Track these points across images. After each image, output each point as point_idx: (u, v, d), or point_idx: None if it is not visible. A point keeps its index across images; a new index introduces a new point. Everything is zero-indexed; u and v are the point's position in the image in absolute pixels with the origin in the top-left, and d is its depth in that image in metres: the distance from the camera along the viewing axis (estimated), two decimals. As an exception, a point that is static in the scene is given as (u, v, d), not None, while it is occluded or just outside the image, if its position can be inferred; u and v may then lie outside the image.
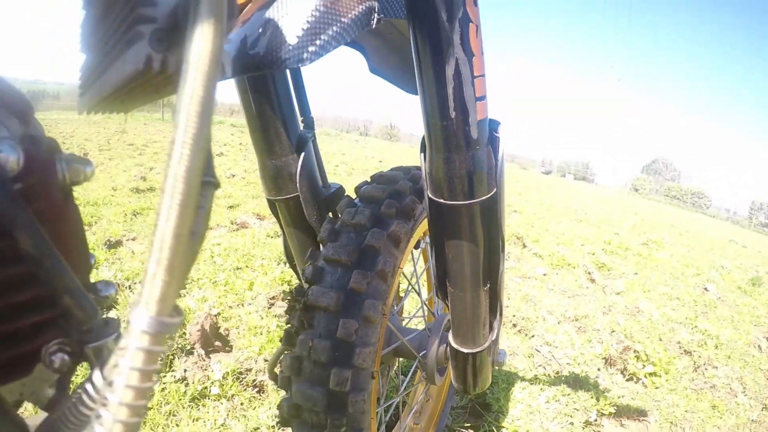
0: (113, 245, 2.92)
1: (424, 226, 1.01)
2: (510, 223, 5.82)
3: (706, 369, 2.56)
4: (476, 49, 0.62)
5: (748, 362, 2.85)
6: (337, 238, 0.88)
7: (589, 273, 3.98)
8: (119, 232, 3.15)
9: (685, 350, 2.76)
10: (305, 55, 0.54)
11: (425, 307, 1.28)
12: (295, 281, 2.44)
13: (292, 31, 0.54)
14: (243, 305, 2.24)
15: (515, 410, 1.73)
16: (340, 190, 1.10)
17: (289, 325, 0.87)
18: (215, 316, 2.02)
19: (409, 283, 1.24)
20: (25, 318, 0.34)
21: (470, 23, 0.60)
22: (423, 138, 0.71)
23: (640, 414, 1.91)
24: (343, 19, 0.57)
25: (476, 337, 0.92)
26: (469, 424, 1.61)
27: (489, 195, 0.72)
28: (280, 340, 0.89)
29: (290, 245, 1.12)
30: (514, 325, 2.54)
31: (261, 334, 1.98)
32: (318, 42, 0.55)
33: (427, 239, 1.09)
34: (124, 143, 8.81)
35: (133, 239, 3.09)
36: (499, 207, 0.76)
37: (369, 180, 1.01)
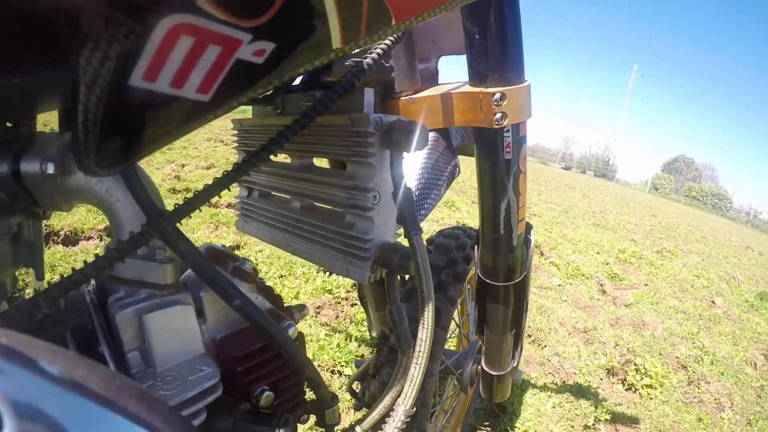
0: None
1: (468, 276, 1.32)
2: (529, 228, 6.06)
3: (698, 384, 2.81)
4: (523, 189, 0.89)
5: (740, 379, 3.08)
6: (411, 299, 1.19)
7: (601, 285, 4.25)
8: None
9: (681, 365, 3.01)
10: (421, 213, 0.84)
11: (460, 331, 1.61)
12: (335, 290, 2.74)
13: None
14: (291, 314, 2.53)
15: (526, 413, 2.04)
16: None
17: (376, 359, 1.19)
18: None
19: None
20: (296, 401, 0.66)
21: (521, 174, 0.86)
22: (477, 233, 1.02)
23: (632, 421, 2.21)
24: (439, 182, 0.87)
25: (502, 364, 1.24)
26: (488, 423, 1.93)
27: (520, 279, 1.02)
28: (356, 363, 1.22)
29: (367, 297, 1.43)
30: (529, 336, 2.83)
31: (311, 341, 2.25)
32: (426, 206, 0.85)
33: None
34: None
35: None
36: (527, 283, 1.07)
37: (427, 244, 1.32)
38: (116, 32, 0.24)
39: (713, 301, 4.97)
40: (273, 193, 0.87)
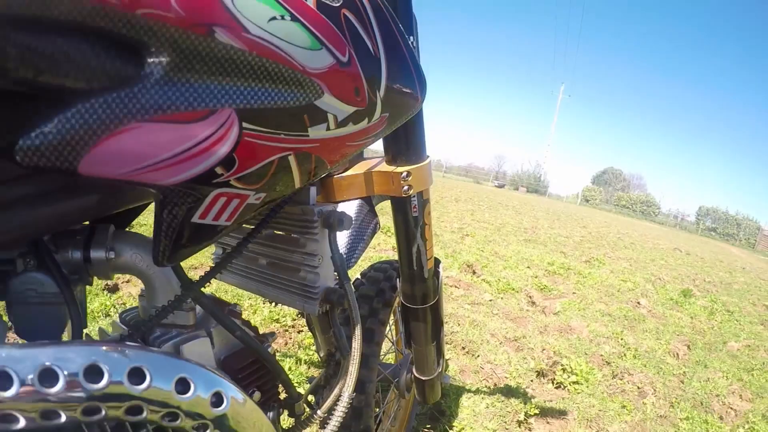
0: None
1: (395, 301, 1.60)
2: (462, 249, 6.46)
3: (622, 376, 3.15)
4: (429, 236, 1.19)
5: (662, 369, 3.45)
6: (349, 323, 1.45)
7: (530, 297, 4.61)
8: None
9: (606, 361, 3.35)
10: (350, 263, 1.13)
11: (394, 346, 1.89)
12: (282, 319, 2.95)
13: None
14: (238, 342, 2.74)
15: (462, 414, 2.31)
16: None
17: (326, 372, 1.45)
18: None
19: (387, 337, 1.84)
20: (274, 399, 0.91)
21: (426, 226, 1.17)
22: (398, 269, 1.30)
23: (561, 414, 2.52)
24: (364, 238, 1.16)
25: (430, 370, 1.52)
26: (429, 426, 2.19)
27: (434, 302, 1.33)
28: (309, 380, 1.47)
29: (314, 324, 1.68)
30: (463, 348, 3.12)
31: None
32: (355, 256, 1.14)
33: (396, 306, 1.68)
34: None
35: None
36: (440, 304, 1.38)
37: (361, 277, 1.60)
38: (188, 198, 0.51)
39: (638, 302, 5.39)
40: (244, 252, 1.15)
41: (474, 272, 5.17)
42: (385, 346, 1.96)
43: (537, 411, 2.43)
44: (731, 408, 3.05)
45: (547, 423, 2.44)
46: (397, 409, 1.97)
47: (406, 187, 1.04)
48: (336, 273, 0.99)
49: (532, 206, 22.37)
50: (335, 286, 1.00)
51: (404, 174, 1.02)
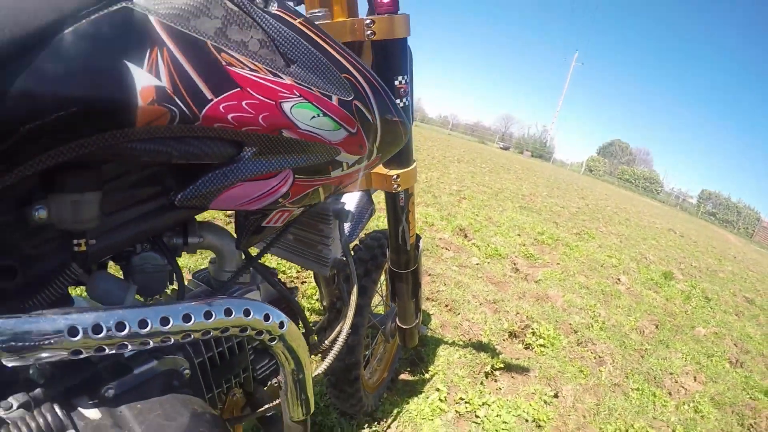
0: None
1: (385, 264, 1.94)
2: (458, 212, 6.76)
3: (585, 344, 3.49)
4: (411, 219, 1.54)
5: (625, 343, 3.76)
6: (349, 281, 1.81)
7: (515, 264, 4.95)
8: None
9: (573, 330, 3.68)
10: (352, 238, 1.49)
11: (383, 300, 2.26)
12: (288, 271, 3.31)
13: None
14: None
15: (438, 362, 2.70)
16: None
17: (328, 317, 1.81)
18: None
19: (377, 293, 2.20)
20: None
21: (410, 212, 1.51)
22: (388, 238, 1.65)
23: (524, 370, 2.90)
24: (363, 220, 1.55)
25: (409, 320, 1.90)
26: (409, 369, 2.59)
27: (414, 268, 1.70)
28: (314, 324, 1.82)
29: (321, 281, 2.03)
30: (446, 305, 3.49)
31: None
32: (355, 235, 1.52)
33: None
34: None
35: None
36: (419, 269, 1.74)
37: (359, 243, 1.94)
38: (260, 214, 0.88)
39: (618, 279, 5.64)
40: None
41: (466, 236, 5.50)
42: (377, 300, 2.32)
43: (503, 366, 2.83)
44: (682, 387, 3.35)
45: (512, 377, 2.82)
46: (383, 352, 2.35)
47: (395, 186, 1.38)
48: (342, 248, 1.37)
49: (534, 172, 22.37)
50: (341, 257, 1.39)
51: (395, 176, 1.36)
